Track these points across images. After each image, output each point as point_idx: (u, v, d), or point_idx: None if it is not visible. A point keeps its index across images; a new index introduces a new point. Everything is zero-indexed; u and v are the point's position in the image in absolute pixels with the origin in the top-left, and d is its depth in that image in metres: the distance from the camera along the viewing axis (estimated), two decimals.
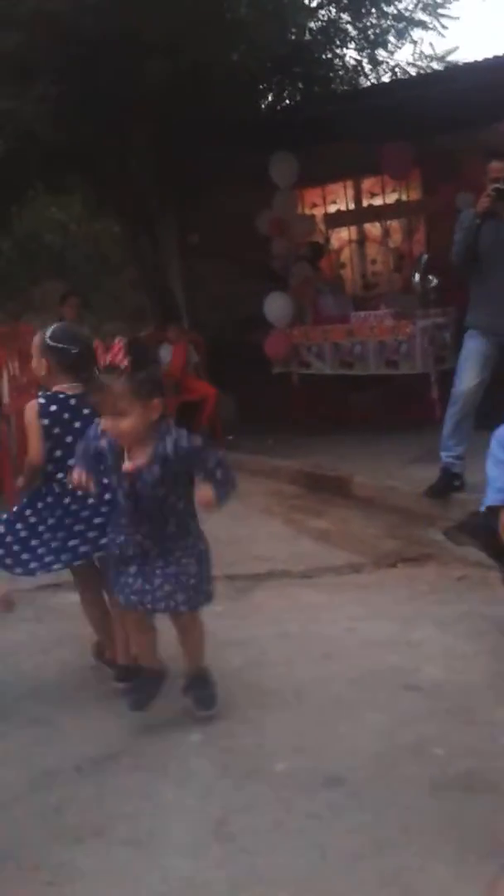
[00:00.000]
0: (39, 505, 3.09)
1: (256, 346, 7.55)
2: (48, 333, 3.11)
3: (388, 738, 2.70)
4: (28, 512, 3.09)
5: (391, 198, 8.18)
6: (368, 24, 8.75)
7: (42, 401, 3.07)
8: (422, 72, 9.23)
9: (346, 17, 8.73)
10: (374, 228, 8.50)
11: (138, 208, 8.45)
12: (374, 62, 9.09)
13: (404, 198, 8.04)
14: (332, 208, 8.65)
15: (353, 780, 2.48)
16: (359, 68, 9.13)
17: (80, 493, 2.91)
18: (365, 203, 8.46)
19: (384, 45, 8.95)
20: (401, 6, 8.52)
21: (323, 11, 8.62)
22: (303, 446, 6.75)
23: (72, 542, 3.03)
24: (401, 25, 8.69)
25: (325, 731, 2.77)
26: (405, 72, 9.35)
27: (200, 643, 2.94)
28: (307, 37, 8.39)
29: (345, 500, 5.64)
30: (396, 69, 9.36)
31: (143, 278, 9.15)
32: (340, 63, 9.05)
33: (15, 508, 3.13)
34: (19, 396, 6.20)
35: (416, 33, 8.89)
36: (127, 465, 2.67)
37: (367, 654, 3.37)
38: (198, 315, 8.88)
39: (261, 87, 8.42)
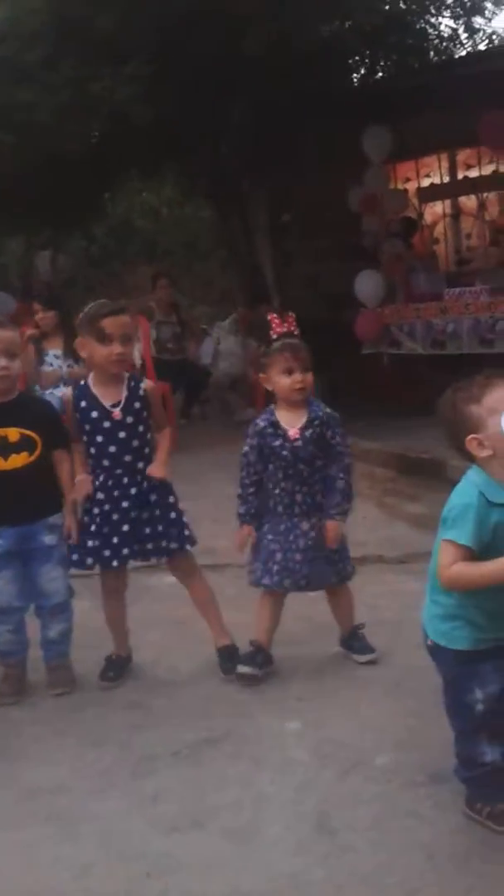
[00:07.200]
0: None
1: (346, 325, 7.39)
2: None
3: None
4: None
5: (488, 169, 7.90)
6: None
7: None
8: None
9: None
10: (469, 202, 8.24)
11: (229, 190, 8.37)
12: (471, 30, 8.73)
13: (502, 169, 7.74)
14: (425, 182, 8.40)
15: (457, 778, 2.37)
16: (454, 37, 8.82)
17: None
18: (460, 175, 8.19)
19: (481, 11, 8.61)
20: None
21: None
22: (394, 429, 6.58)
23: None
24: None
25: (427, 724, 2.66)
26: (503, 39, 9.01)
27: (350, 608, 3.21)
28: (401, 5, 8.13)
29: (440, 485, 5.44)
30: (494, 36, 9.05)
31: (233, 260, 9.09)
32: (435, 32, 8.75)
33: None
34: None
35: None
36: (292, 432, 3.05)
37: None
38: (287, 295, 8.76)
39: (352, 60, 8.20)
